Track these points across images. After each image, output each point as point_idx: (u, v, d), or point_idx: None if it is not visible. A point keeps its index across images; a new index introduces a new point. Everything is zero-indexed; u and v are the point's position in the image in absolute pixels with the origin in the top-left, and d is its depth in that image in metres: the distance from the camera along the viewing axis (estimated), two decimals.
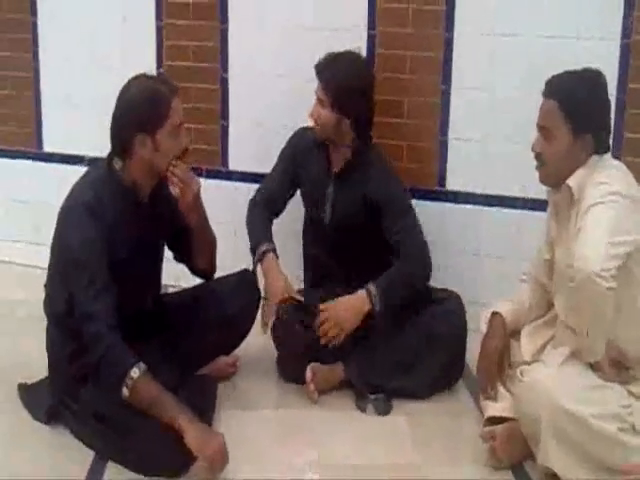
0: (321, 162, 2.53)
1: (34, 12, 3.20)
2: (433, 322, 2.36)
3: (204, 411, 2.11)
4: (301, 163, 2.55)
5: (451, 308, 2.40)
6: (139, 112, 2.03)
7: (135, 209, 2.12)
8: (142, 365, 1.95)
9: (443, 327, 2.35)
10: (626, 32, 2.53)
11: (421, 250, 2.40)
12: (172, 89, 2.08)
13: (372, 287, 2.33)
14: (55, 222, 2.11)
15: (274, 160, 2.94)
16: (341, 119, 2.41)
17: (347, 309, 2.33)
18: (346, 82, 2.38)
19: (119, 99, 2.07)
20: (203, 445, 1.90)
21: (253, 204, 2.58)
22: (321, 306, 2.36)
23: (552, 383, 1.89)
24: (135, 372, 1.92)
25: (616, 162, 2.08)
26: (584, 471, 1.90)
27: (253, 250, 2.46)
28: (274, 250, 2.43)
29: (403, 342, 2.36)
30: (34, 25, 3.22)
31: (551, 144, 2.01)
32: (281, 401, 2.40)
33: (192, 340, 2.26)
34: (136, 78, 2.10)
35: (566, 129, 1.98)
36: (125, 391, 1.93)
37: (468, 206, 2.77)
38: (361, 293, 2.34)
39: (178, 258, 2.37)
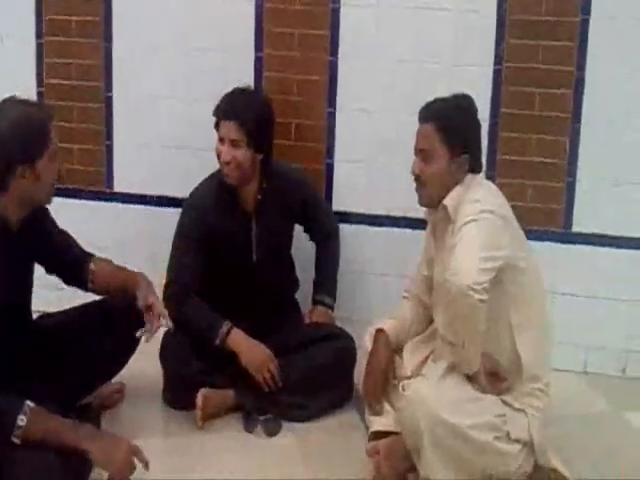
0: (233, 211, 2.46)
1: None
2: (324, 355, 2.40)
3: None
4: (210, 225, 2.42)
5: (342, 344, 2.44)
6: (17, 144, 1.91)
7: (6, 241, 2.01)
8: (28, 406, 1.85)
9: (333, 361, 2.40)
10: (498, 59, 2.67)
11: (337, 225, 2.73)
12: (48, 113, 1.99)
13: (325, 297, 2.59)
14: None
15: (160, 182, 2.93)
16: (255, 156, 2.40)
17: None
18: (261, 118, 2.39)
19: None
20: (109, 460, 1.85)
21: (178, 295, 2.41)
22: None
23: (431, 396, 1.94)
24: (22, 420, 1.83)
25: (488, 182, 2.19)
26: None
27: (211, 331, 2.37)
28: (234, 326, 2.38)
29: (294, 371, 2.39)
30: None
31: (430, 166, 2.09)
32: (169, 428, 2.36)
33: (72, 368, 2.18)
34: (6, 104, 1.98)
35: (443, 150, 2.08)
36: (16, 440, 1.83)
37: (353, 226, 2.83)
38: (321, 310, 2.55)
39: (66, 280, 2.30)
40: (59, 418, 1.89)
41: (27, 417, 1.84)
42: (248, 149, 2.38)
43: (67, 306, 2.35)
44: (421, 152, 2.11)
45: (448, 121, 2.08)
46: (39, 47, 2.97)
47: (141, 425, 2.34)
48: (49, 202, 2.09)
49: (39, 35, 2.97)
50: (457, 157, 2.08)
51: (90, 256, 2.27)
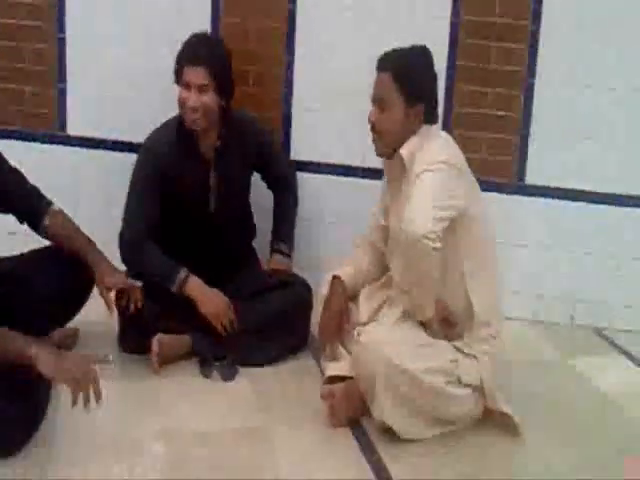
0: (192, 158, 2.43)
1: None
2: (280, 301, 2.42)
3: (39, 385, 1.98)
4: (168, 171, 2.39)
5: (298, 291, 2.46)
6: None
7: None
8: None
9: (290, 307, 2.42)
10: (456, 12, 2.67)
11: (294, 173, 2.74)
12: None
13: (282, 245, 2.60)
14: None
15: (116, 124, 2.87)
16: (220, 100, 2.38)
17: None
18: (226, 62, 2.38)
19: None
20: (57, 367, 1.78)
21: (134, 241, 2.39)
22: None
23: (385, 341, 1.99)
24: None
25: (444, 133, 2.22)
26: (416, 423, 2.03)
27: (168, 278, 2.35)
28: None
29: (251, 316, 2.40)
30: None
31: (386, 115, 2.10)
32: (123, 372, 2.34)
33: (24, 311, 2.13)
34: None
35: (400, 99, 2.09)
36: None
37: (311, 175, 2.84)
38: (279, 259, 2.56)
39: (20, 219, 2.27)
40: (5, 329, 1.83)
41: None
42: (215, 94, 2.36)
43: (19, 251, 2.32)
44: (377, 101, 2.12)
45: (405, 70, 2.09)
46: None
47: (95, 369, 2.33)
48: None
49: None
50: (413, 107, 2.09)
51: (46, 207, 2.23)
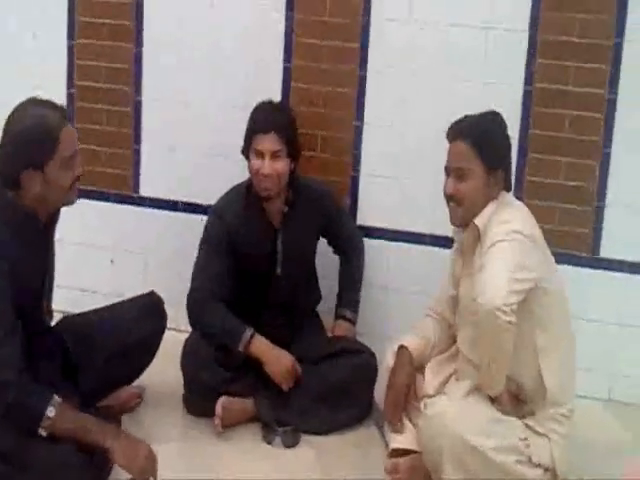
0: (259, 223, 2.46)
1: None
2: (345, 368, 2.39)
3: None
4: (236, 235, 2.43)
5: (363, 359, 2.43)
6: (25, 147, 1.92)
7: (35, 235, 2.04)
8: (56, 400, 1.89)
9: (354, 375, 2.38)
10: (528, 79, 2.67)
11: (361, 239, 2.71)
12: (62, 118, 1.97)
13: (347, 311, 2.57)
14: None
15: (187, 188, 2.93)
16: (290, 165, 2.42)
17: None
18: (294, 127, 2.44)
19: (6, 129, 1.95)
20: (130, 461, 1.90)
21: (202, 301, 2.40)
22: None
23: (454, 415, 1.94)
24: (51, 411, 1.87)
25: (518, 202, 2.18)
26: None
27: (234, 338, 2.35)
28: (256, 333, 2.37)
29: (314, 382, 2.38)
30: None
31: (466, 183, 2.08)
32: (187, 434, 2.36)
33: (93, 369, 2.19)
34: (23, 106, 1.98)
35: (480, 167, 2.07)
36: (42, 431, 1.87)
37: (377, 241, 2.82)
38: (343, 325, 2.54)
39: None
40: (86, 415, 1.92)
41: (55, 409, 1.88)
42: (286, 159, 2.40)
43: (87, 307, 2.36)
44: (455, 170, 2.10)
45: (483, 137, 2.07)
46: (70, 48, 2.99)
47: (159, 430, 2.34)
48: (70, 203, 2.08)
49: (71, 36, 2.99)
50: (492, 174, 2.08)
51: None
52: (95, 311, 2.35)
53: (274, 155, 2.38)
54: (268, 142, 2.37)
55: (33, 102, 1.99)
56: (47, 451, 1.87)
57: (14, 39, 3.03)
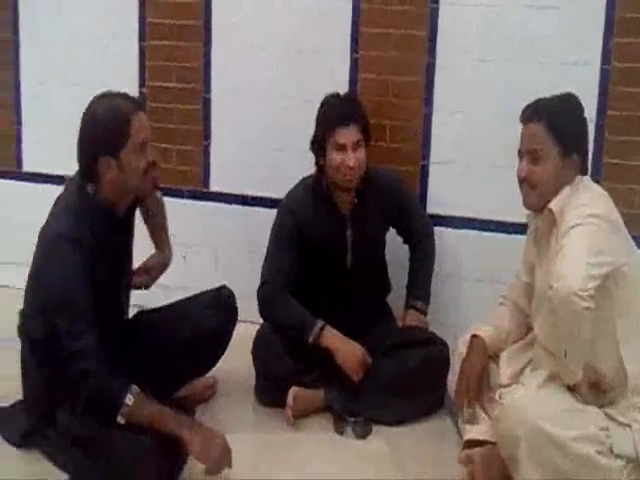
0: (329, 214, 2.47)
1: (15, 31, 3.20)
2: (416, 359, 2.36)
3: None
4: (306, 227, 2.45)
5: (435, 349, 2.39)
6: (100, 134, 2.00)
7: (112, 227, 2.11)
8: (134, 388, 1.94)
9: (426, 365, 2.35)
10: (606, 58, 2.57)
11: (431, 228, 2.66)
12: (133, 106, 2.04)
13: (418, 302, 2.52)
14: (35, 247, 2.06)
15: (256, 182, 2.96)
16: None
17: None
18: (366, 113, 2.44)
19: (82, 121, 2.04)
20: (206, 453, 1.92)
21: (272, 294, 2.43)
22: None
23: (531, 405, 1.88)
24: (129, 399, 1.92)
25: (596, 185, 2.10)
26: None
27: (305, 329, 2.36)
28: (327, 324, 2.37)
29: (386, 373, 2.36)
30: (15, 44, 3.21)
31: (540, 166, 2.02)
32: (259, 424, 2.37)
33: (166, 361, 2.22)
34: (98, 98, 2.07)
35: (555, 150, 2.00)
36: (121, 418, 1.92)
37: (448, 229, 2.78)
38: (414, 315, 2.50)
39: None
40: (162, 405, 1.96)
41: (134, 398, 1.92)
42: (364, 148, 2.40)
43: (160, 302, 2.41)
44: (530, 153, 2.03)
45: (559, 119, 2.00)
46: (142, 50, 3.07)
47: (232, 420, 2.36)
48: (146, 191, 2.14)
49: (142, 38, 3.06)
50: (568, 157, 2.01)
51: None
52: (168, 306, 2.39)
53: (356, 145, 2.38)
54: (350, 134, 2.37)
55: (106, 94, 2.07)
56: (124, 440, 1.91)
57: (88, 42, 3.13)
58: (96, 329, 1.97)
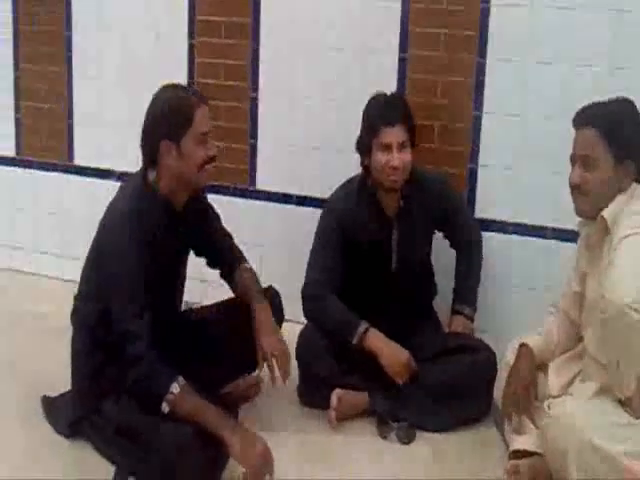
0: (374, 216, 2.45)
1: (69, 27, 3.25)
2: (463, 366, 2.34)
3: None
4: (350, 230, 2.43)
5: (482, 356, 2.36)
6: (163, 119, 2.06)
7: (171, 219, 2.14)
8: (181, 379, 1.97)
9: (472, 372, 2.33)
10: None
11: (479, 232, 2.64)
12: (198, 98, 2.10)
13: (464, 307, 2.50)
14: (93, 237, 2.13)
15: (302, 180, 2.96)
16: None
17: None
18: (413, 114, 2.41)
19: (148, 109, 2.11)
20: (246, 456, 1.93)
21: (317, 294, 2.41)
22: None
23: (581, 417, 1.85)
24: (175, 387, 1.95)
25: None
26: None
27: (349, 331, 2.34)
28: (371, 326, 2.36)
29: (431, 379, 2.34)
30: (68, 39, 3.26)
31: (593, 173, 1.97)
32: (302, 425, 2.37)
33: (212, 358, 2.25)
34: (165, 87, 2.13)
35: (609, 157, 1.96)
36: (165, 406, 1.95)
37: (496, 234, 2.74)
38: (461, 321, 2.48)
39: (211, 265, 2.39)
40: (206, 402, 1.98)
41: (180, 387, 1.95)
42: (410, 149, 2.38)
43: (208, 299, 2.43)
44: (582, 159, 1.99)
45: (612, 125, 1.95)
46: (191, 47, 3.08)
47: (275, 419, 2.37)
48: (201, 183, 2.16)
49: (191, 35, 3.08)
50: (622, 164, 1.96)
51: (238, 263, 2.33)
52: (216, 304, 2.42)
53: (402, 146, 2.35)
54: (395, 134, 2.34)
55: (175, 85, 2.14)
56: (167, 430, 1.93)
57: (137, 40, 3.16)
58: (148, 315, 2.00)
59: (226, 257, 2.35)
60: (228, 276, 2.34)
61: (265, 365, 2.19)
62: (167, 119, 2.05)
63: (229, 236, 2.39)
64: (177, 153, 2.06)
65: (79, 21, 3.24)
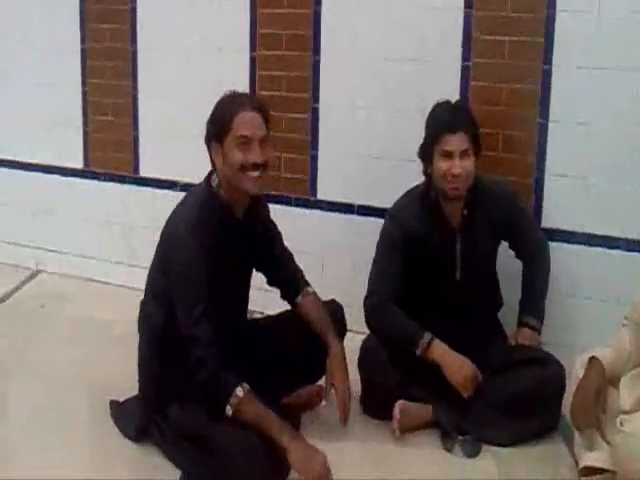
0: (438, 225, 2.41)
1: (134, 41, 3.33)
2: (530, 379, 2.28)
3: None
4: (413, 239, 2.39)
5: (550, 370, 2.29)
6: (212, 119, 2.14)
7: (231, 224, 2.16)
8: (245, 385, 1.99)
9: (540, 386, 2.26)
10: None
11: (546, 242, 2.58)
12: (250, 104, 2.13)
13: (531, 319, 2.44)
14: (157, 243, 2.17)
15: (362, 191, 2.95)
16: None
17: None
18: (476, 122, 2.38)
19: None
20: (306, 466, 1.93)
21: (379, 304, 2.39)
22: None
23: None
24: (240, 391, 1.98)
25: None
26: None
27: (412, 342, 2.31)
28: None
29: (497, 392, 2.29)
30: (134, 54, 3.34)
31: None
32: (364, 435, 2.35)
33: (276, 367, 2.25)
34: (225, 93, 2.19)
35: None
36: (229, 410, 1.97)
37: (564, 244, 2.67)
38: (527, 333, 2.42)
39: (271, 283, 2.39)
40: (269, 409, 1.98)
41: (244, 392, 1.97)
42: (473, 158, 2.35)
43: (269, 308, 2.43)
44: None
45: None
46: (252, 60, 3.12)
47: (337, 429, 2.34)
48: (247, 189, 2.13)
49: (253, 48, 3.11)
50: None
51: (301, 286, 2.34)
52: (280, 314, 2.42)
53: (463, 154, 2.32)
54: (457, 141, 2.31)
55: (230, 91, 2.20)
56: (231, 435, 1.95)
57: (200, 53, 3.21)
58: (212, 318, 2.02)
59: (289, 279, 2.36)
60: (290, 298, 2.35)
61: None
62: (214, 119, 2.13)
63: (291, 256, 2.39)
64: (222, 154, 2.11)
65: (143, 37, 3.32)
